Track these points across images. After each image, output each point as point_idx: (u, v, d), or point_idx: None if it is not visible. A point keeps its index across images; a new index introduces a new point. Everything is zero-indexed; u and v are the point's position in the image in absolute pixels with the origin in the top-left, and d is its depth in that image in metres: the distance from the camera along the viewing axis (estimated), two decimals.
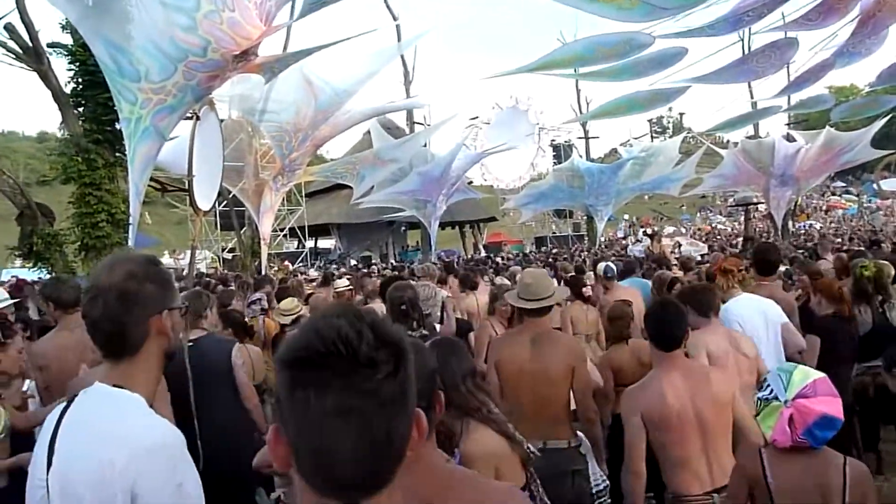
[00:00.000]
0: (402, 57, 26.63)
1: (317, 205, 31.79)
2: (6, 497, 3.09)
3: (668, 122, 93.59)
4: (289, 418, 0.85)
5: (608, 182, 26.88)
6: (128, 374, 1.54)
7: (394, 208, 24.18)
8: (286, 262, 24.17)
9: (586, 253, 20.72)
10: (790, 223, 26.55)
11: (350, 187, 22.64)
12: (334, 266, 23.15)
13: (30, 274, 11.65)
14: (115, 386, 1.50)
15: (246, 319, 5.78)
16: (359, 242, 33.13)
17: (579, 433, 3.29)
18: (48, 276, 8.23)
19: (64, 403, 1.54)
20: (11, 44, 7.66)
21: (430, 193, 22.04)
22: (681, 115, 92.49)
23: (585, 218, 32.72)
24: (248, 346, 5.10)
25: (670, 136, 50.00)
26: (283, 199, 20.36)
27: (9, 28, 7.61)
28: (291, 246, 31.63)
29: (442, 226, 26.91)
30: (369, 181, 20.76)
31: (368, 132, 25.56)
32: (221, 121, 13.23)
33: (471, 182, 29.22)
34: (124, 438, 1.40)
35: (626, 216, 45.92)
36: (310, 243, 31.17)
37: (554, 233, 37.04)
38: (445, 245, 36.51)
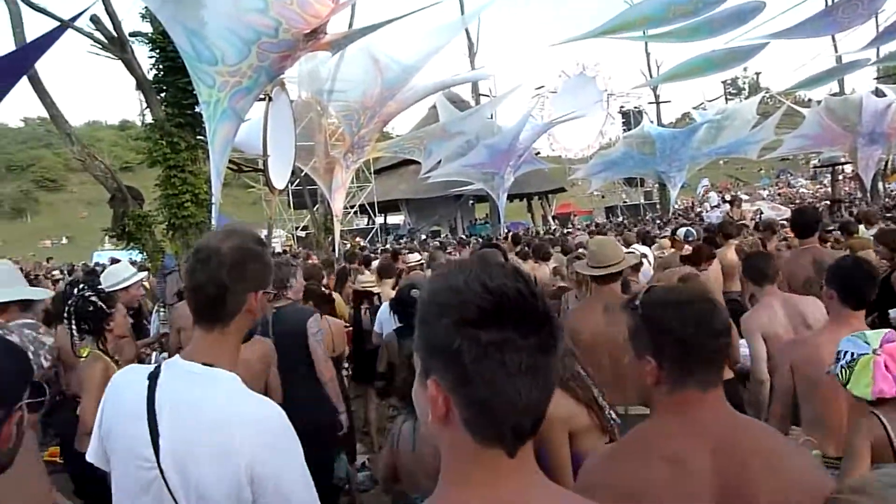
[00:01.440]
0: (465, 29, 26.40)
1: (385, 181, 32.17)
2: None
3: (744, 83, 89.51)
4: (473, 376, 0.84)
5: (681, 148, 26.06)
6: (216, 347, 1.59)
7: (461, 182, 24.19)
8: (357, 239, 24.64)
9: (659, 221, 20.26)
10: (880, 184, 25.06)
11: (417, 162, 22.77)
12: (404, 241, 23.45)
13: (122, 254, 12.32)
14: (204, 364, 1.54)
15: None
16: (427, 217, 33.38)
17: None
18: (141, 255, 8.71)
19: (145, 382, 1.56)
20: (98, 35, 8.01)
21: (498, 166, 21.92)
22: (757, 74, 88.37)
23: (657, 186, 31.86)
24: (329, 318, 5.20)
25: (746, 98, 47.80)
26: (353, 177, 20.68)
27: (94, 20, 7.96)
28: (361, 222, 32.18)
29: (510, 198, 26.78)
30: (437, 155, 20.83)
31: (434, 106, 25.61)
32: (291, 101, 13.59)
33: (538, 153, 28.92)
34: (236, 418, 1.46)
35: (706, 181, 44.09)
36: (379, 219, 31.62)
37: (625, 202, 36.30)
38: (514, 217, 36.35)
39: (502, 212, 23.52)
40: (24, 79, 7.49)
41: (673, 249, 7.33)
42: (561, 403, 2.26)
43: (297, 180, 19.41)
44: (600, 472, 1.51)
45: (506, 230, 23.62)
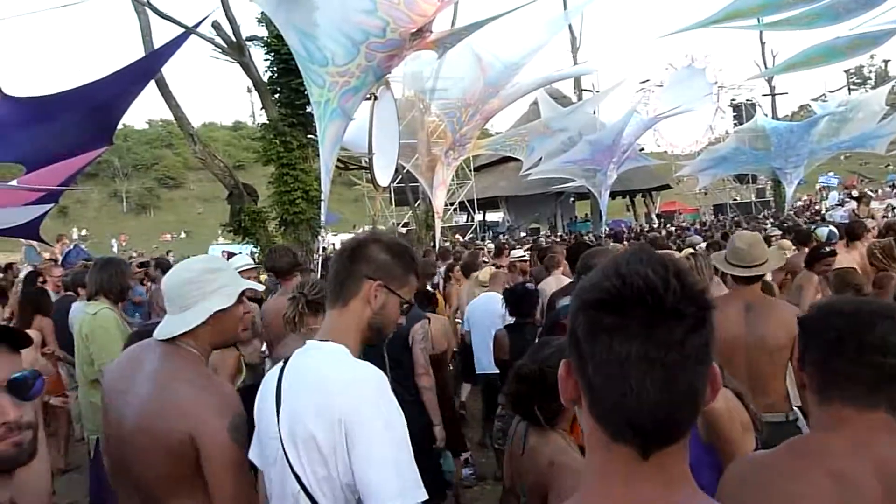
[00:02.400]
0: (568, 24, 25.97)
1: (485, 178, 32.20)
2: None
3: (870, 72, 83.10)
4: (588, 359, 0.85)
5: (798, 142, 24.48)
6: (334, 325, 1.73)
7: (562, 179, 23.83)
8: (457, 235, 24.80)
9: (772, 220, 19.14)
10: None
11: (517, 159, 22.62)
12: (504, 238, 23.38)
13: (237, 248, 12.94)
14: (321, 340, 1.70)
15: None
16: (527, 214, 33.16)
17: (795, 408, 3.05)
18: (255, 249, 9.12)
19: (280, 365, 1.73)
20: (218, 40, 8.44)
21: (601, 162, 21.42)
22: (885, 62, 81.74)
23: (771, 182, 30.12)
24: (434, 315, 5.21)
25: (872, 87, 44.33)
26: (454, 174, 20.82)
27: (215, 25, 8.40)
28: (461, 219, 32.38)
29: (612, 195, 26.11)
30: (538, 152, 20.62)
31: (535, 102, 25.35)
32: (396, 100, 13.83)
33: (642, 149, 28.03)
34: (333, 375, 1.59)
35: (833, 176, 41.03)
36: (479, 216, 31.70)
37: (734, 199, 34.58)
38: (615, 215, 35.47)
39: (604, 209, 22.98)
40: (151, 82, 8.02)
41: (796, 250, 6.90)
42: (727, 394, 2.16)
43: (400, 177, 19.74)
44: (756, 482, 1.41)
45: (607, 228, 23.05)
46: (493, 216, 37.17)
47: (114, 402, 2.08)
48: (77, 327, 4.42)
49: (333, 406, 1.53)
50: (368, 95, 9.52)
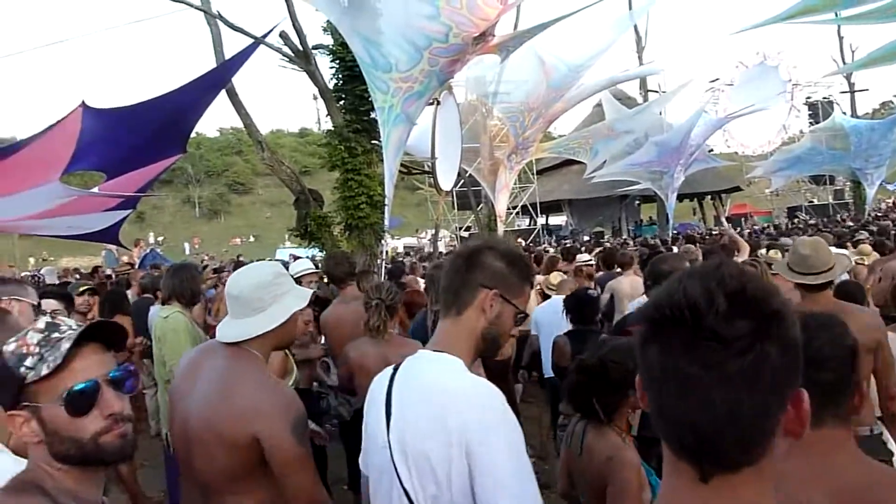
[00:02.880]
0: (634, 24, 25.48)
1: (548, 181, 31.93)
2: None
3: None
4: (644, 371, 0.87)
5: (880, 141, 23.28)
6: (449, 335, 1.66)
7: (627, 181, 23.36)
8: (519, 239, 24.66)
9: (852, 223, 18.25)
10: None
11: (581, 162, 22.33)
12: (567, 242, 23.10)
13: (303, 251, 13.19)
14: (435, 350, 1.63)
15: None
16: (590, 218, 32.68)
17: (879, 421, 2.88)
18: (321, 253, 9.28)
19: (389, 371, 1.71)
20: (286, 49, 8.63)
21: (668, 164, 20.88)
22: None
23: (850, 184, 28.74)
24: None
25: None
26: (516, 177, 20.72)
27: (283, 35, 8.60)
28: (523, 223, 32.18)
29: (680, 198, 25.44)
30: (602, 154, 20.31)
31: (600, 104, 24.97)
32: (458, 104, 13.86)
33: (711, 150, 27.21)
34: (451, 390, 1.52)
35: None
36: (541, 220, 31.44)
37: (810, 201, 33.17)
38: (682, 219, 34.55)
39: (671, 212, 22.40)
40: (222, 92, 8.28)
41: (877, 255, 6.55)
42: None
43: (462, 181, 19.77)
44: None
45: (674, 231, 22.47)
46: (555, 220, 36.80)
47: (178, 402, 2.18)
48: (153, 330, 4.65)
49: (451, 424, 1.46)
50: (431, 100, 9.57)
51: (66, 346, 1.32)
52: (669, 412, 0.83)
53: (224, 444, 2.00)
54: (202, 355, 2.24)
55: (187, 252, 56.33)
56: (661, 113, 22.26)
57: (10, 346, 1.34)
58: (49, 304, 3.48)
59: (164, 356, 4.30)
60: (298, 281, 4.91)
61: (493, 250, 1.71)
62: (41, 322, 1.38)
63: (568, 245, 15.29)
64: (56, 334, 1.35)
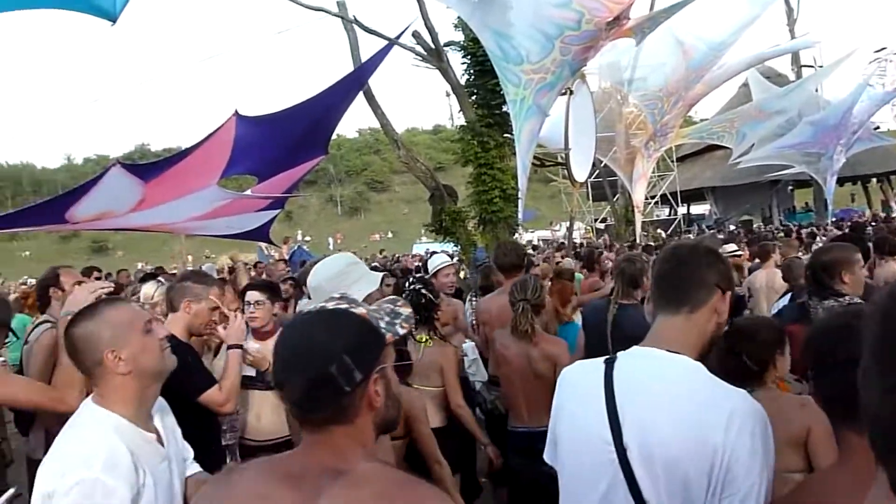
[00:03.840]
0: None
1: (689, 168, 30.43)
2: None
3: None
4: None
5: None
6: (676, 333, 1.59)
7: (778, 165, 21.68)
8: (658, 230, 23.70)
9: None
10: None
11: (725, 147, 21.05)
12: (711, 232, 21.89)
13: (438, 246, 13.47)
14: (669, 351, 1.55)
15: None
16: (737, 206, 30.66)
17: None
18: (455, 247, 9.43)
19: (600, 367, 1.61)
20: (419, 48, 8.82)
21: (826, 145, 19.15)
22: None
23: None
24: None
25: None
26: (654, 166, 19.93)
27: (416, 35, 8.79)
28: (663, 213, 30.87)
29: (839, 181, 23.24)
30: (750, 138, 18.99)
31: (745, 84, 23.40)
32: (592, 93, 13.52)
33: (877, 127, 24.67)
34: (712, 404, 1.44)
35: None
36: (682, 209, 30.01)
37: None
38: (842, 204, 31.61)
39: (830, 198, 20.54)
40: (360, 93, 8.60)
41: None
42: None
43: (597, 172, 19.30)
44: None
45: (834, 218, 20.63)
46: (698, 209, 34.94)
47: None
48: None
49: (714, 436, 1.39)
50: (564, 90, 9.39)
51: (407, 311, 1.41)
52: (866, 408, 0.72)
53: None
54: None
55: (331, 247, 59.38)
56: (816, 90, 20.46)
57: (360, 310, 1.34)
58: (252, 295, 3.80)
59: None
60: (435, 274, 5.03)
61: (715, 251, 1.72)
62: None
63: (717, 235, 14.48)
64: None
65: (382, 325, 1.34)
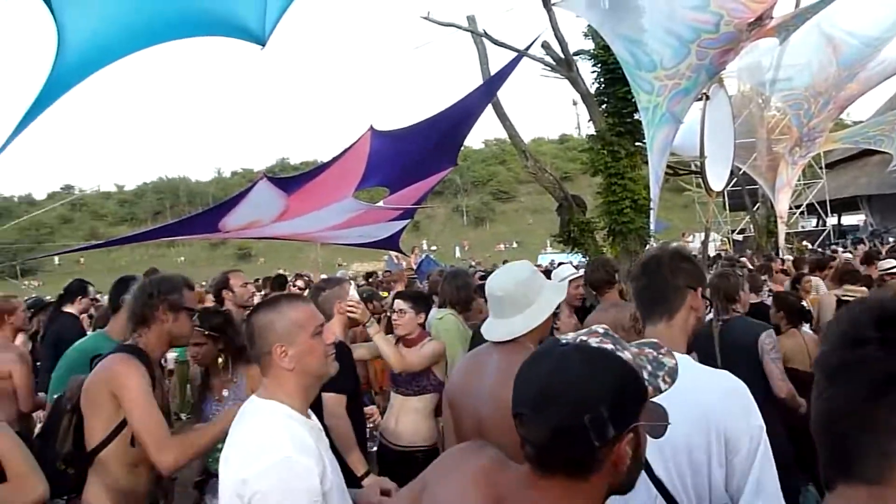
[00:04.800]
0: None
1: (840, 176, 28.11)
2: None
3: None
4: None
5: None
6: (665, 336, 1.75)
7: None
8: (804, 242, 22.05)
9: None
10: None
11: (884, 152, 19.26)
12: (867, 244, 20.08)
13: (564, 257, 13.29)
14: None
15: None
16: None
17: None
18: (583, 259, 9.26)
19: None
20: (548, 58, 8.79)
21: None
22: None
23: None
24: (801, 330, 4.67)
25: None
26: (800, 173, 18.59)
27: (545, 45, 8.76)
28: (809, 224, 28.68)
29: None
30: None
31: None
32: (730, 97, 12.84)
33: None
34: (705, 387, 1.68)
35: None
36: (832, 220, 27.73)
37: None
38: None
39: None
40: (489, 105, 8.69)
41: None
42: None
43: (735, 180, 18.28)
44: None
45: None
46: (850, 219, 32.13)
47: (463, 399, 2.30)
48: (429, 330, 5.06)
49: (710, 415, 1.61)
50: (700, 96, 9.01)
51: (671, 361, 1.27)
52: None
53: (514, 435, 2.07)
54: (481, 357, 2.36)
55: (458, 255, 60.34)
56: None
57: (626, 354, 1.18)
58: (398, 303, 4.05)
59: None
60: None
61: (677, 253, 1.96)
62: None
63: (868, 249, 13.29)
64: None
65: (644, 375, 1.20)
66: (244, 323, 2.10)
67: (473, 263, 23.54)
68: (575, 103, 14.70)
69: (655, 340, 1.31)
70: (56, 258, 69.44)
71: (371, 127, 6.46)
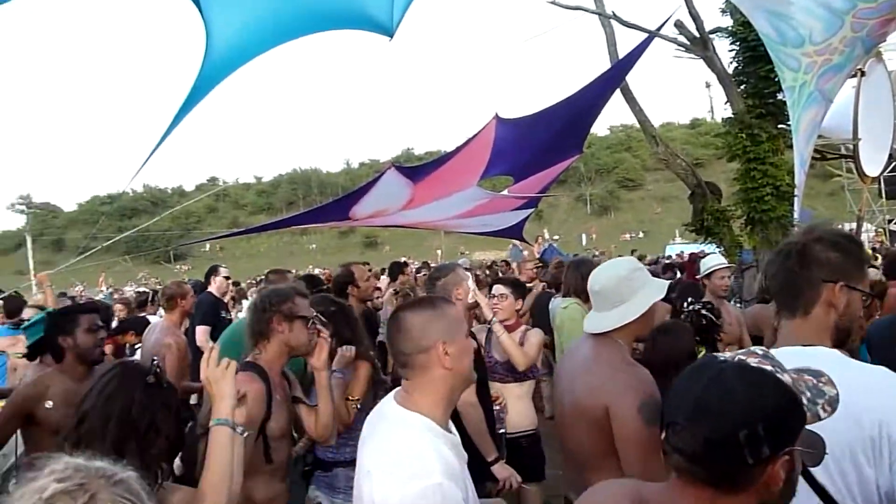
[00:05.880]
0: None
1: None
2: None
3: None
4: None
5: None
6: (799, 334, 1.67)
7: None
8: None
9: None
10: None
11: None
12: None
13: (694, 247, 12.69)
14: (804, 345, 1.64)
15: None
16: None
17: None
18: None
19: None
20: (681, 38, 8.37)
21: None
22: None
23: None
24: None
25: None
26: None
27: (678, 24, 8.34)
28: None
29: None
30: None
31: None
32: (889, 72, 11.65)
33: None
34: (863, 384, 1.50)
35: None
36: None
37: None
38: None
39: None
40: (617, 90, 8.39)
41: None
42: None
43: (893, 165, 16.61)
44: None
45: None
46: None
47: (557, 385, 2.55)
48: (553, 319, 5.02)
49: (870, 413, 1.46)
50: (854, 72, 8.25)
51: (832, 391, 1.26)
52: None
53: (585, 419, 2.24)
54: (578, 347, 2.54)
55: (584, 243, 59.43)
56: None
57: (786, 378, 1.19)
58: (498, 288, 4.11)
59: (563, 344, 4.57)
60: (709, 276, 4.76)
61: (820, 241, 1.68)
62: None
63: None
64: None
65: (803, 400, 1.21)
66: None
67: (597, 253, 23.01)
68: (708, 85, 13.99)
69: (817, 369, 1.31)
70: (207, 244, 75.14)
71: (496, 115, 6.43)
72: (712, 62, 8.39)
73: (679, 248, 26.12)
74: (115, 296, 13.98)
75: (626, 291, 2.32)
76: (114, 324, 6.53)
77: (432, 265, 13.30)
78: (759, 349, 1.25)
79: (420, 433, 1.74)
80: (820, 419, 1.21)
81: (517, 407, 3.94)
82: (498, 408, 3.84)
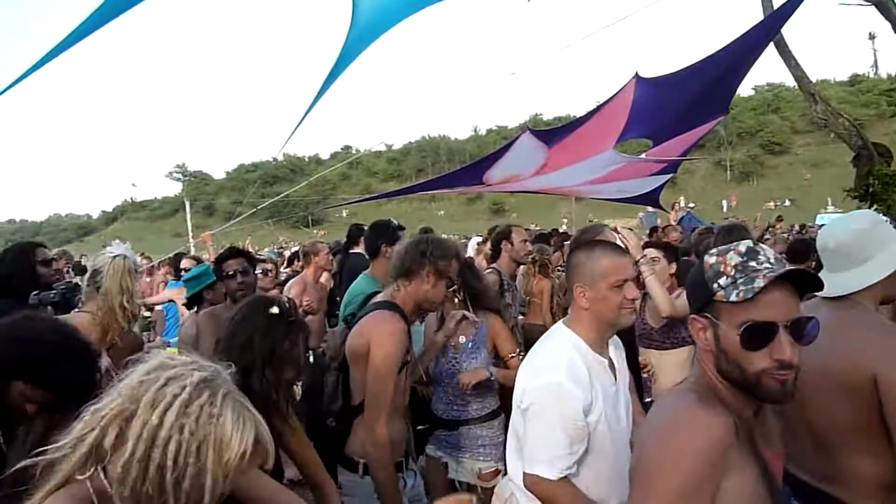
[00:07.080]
0: None
1: None
2: None
3: None
4: None
5: None
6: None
7: None
8: None
9: None
10: None
11: None
12: None
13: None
14: None
15: None
16: None
17: None
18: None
19: None
20: None
21: None
22: None
23: None
24: None
25: None
26: None
27: None
28: None
29: None
30: None
31: None
32: None
33: None
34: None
35: None
36: None
37: None
38: None
39: None
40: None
41: None
42: None
43: None
44: None
45: None
46: None
47: None
48: None
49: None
50: None
51: (759, 283, 1.37)
52: None
53: (840, 390, 1.95)
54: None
55: (724, 209, 56.35)
56: None
57: (711, 259, 1.47)
58: (651, 251, 4.04)
59: None
60: None
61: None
62: (743, 245, 1.47)
63: None
64: (753, 263, 1.42)
65: (721, 281, 1.43)
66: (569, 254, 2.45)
67: (743, 220, 21.62)
68: (872, 37, 12.56)
69: None
70: (343, 210, 78.45)
71: (636, 73, 6.09)
72: (886, 8, 7.49)
73: (831, 216, 24.01)
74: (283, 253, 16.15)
75: (871, 247, 2.05)
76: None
77: (560, 231, 13.07)
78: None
79: (563, 343, 2.17)
80: (725, 296, 1.42)
81: (673, 375, 3.65)
82: (646, 376, 3.71)
